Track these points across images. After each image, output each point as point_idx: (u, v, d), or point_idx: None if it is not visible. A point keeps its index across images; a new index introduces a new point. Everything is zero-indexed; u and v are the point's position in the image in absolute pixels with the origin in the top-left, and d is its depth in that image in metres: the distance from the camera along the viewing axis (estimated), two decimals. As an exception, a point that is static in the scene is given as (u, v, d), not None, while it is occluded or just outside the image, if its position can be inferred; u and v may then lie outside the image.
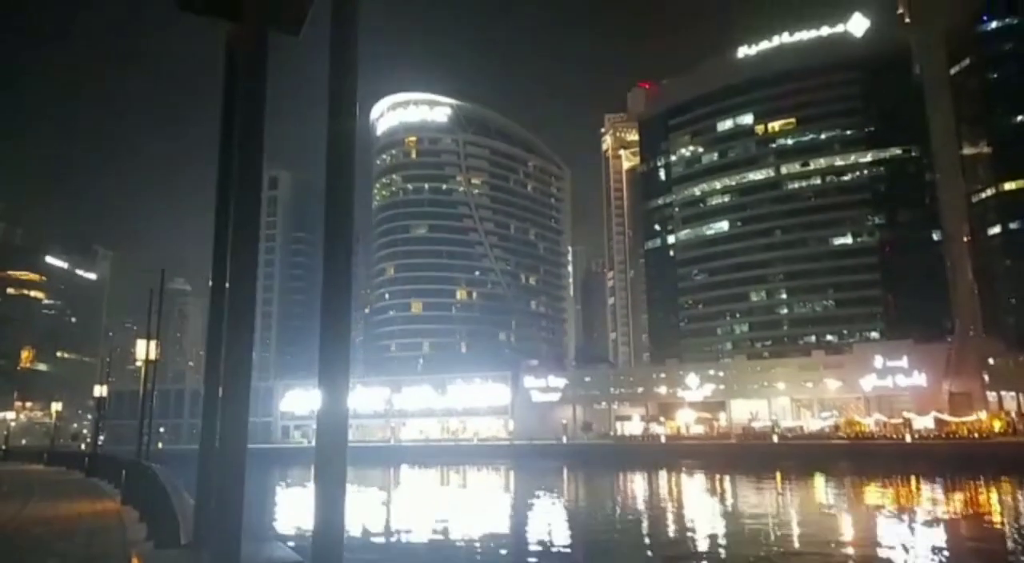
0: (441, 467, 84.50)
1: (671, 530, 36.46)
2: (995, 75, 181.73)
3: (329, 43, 4.46)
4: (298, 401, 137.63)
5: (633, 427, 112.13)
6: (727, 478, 63.85)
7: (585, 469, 77.54)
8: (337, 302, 4.37)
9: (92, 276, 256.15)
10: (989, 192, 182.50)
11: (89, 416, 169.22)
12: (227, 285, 5.09)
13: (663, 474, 70.47)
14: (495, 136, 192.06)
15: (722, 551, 29.03)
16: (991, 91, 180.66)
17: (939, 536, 33.66)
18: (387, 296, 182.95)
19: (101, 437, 60.57)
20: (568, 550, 30.46)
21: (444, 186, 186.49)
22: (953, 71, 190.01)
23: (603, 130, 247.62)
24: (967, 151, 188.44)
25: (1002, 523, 37.95)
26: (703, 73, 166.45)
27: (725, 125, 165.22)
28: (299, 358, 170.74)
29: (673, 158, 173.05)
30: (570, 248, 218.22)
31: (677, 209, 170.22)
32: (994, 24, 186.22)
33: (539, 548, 30.46)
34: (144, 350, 32.46)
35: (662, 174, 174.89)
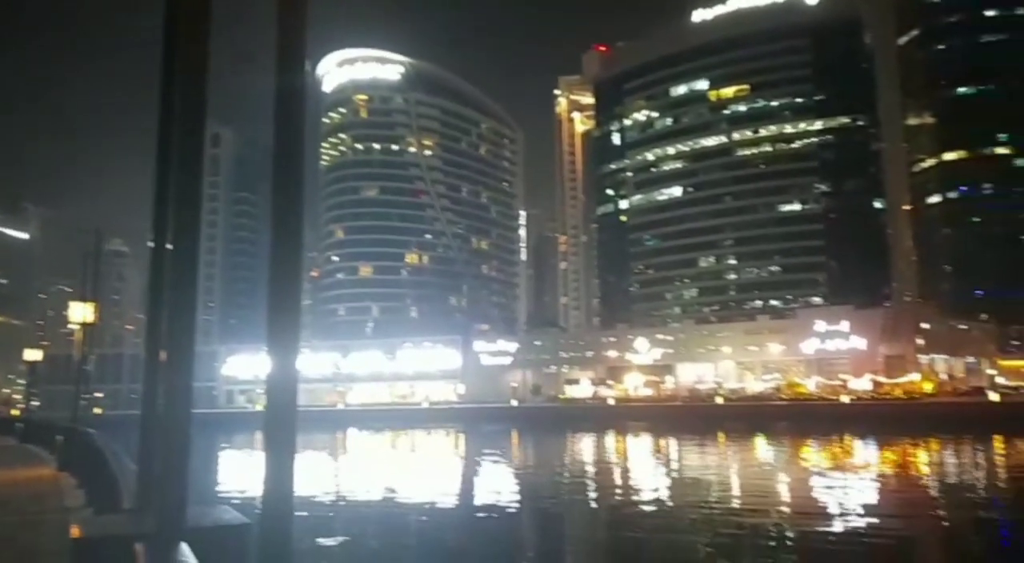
0: (390, 431, 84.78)
1: (617, 491, 37.35)
2: (940, 47, 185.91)
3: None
4: (242, 366, 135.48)
5: (582, 390, 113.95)
6: (673, 439, 65.55)
7: (534, 432, 78.64)
8: (287, 265, 4.23)
9: (23, 235, 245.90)
10: (931, 162, 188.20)
11: (21, 381, 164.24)
12: (168, 246, 4.90)
13: (611, 436, 71.92)
14: (448, 96, 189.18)
15: (666, 510, 29.83)
16: (936, 63, 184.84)
17: (869, 490, 35.29)
18: (335, 259, 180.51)
19: (35, 402, 58.91)
20: (515, 510, 30.94)
21: (395, 147, 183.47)
22: (901, 41, 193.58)
23: (557, 92, 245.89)
24: (911, 121, 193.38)
25: (927, 477, 40.00)
26: (658, 37, 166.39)
27: (679, 90, 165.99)
28: (245, 321, 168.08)
29: (627, 122, 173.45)
30: (523, 212, 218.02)
31: (630, 174, 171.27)
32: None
33: (486, 510, 30.79)
34: (79, 313, 31.30)
35: (616, 139, 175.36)
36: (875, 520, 28.03)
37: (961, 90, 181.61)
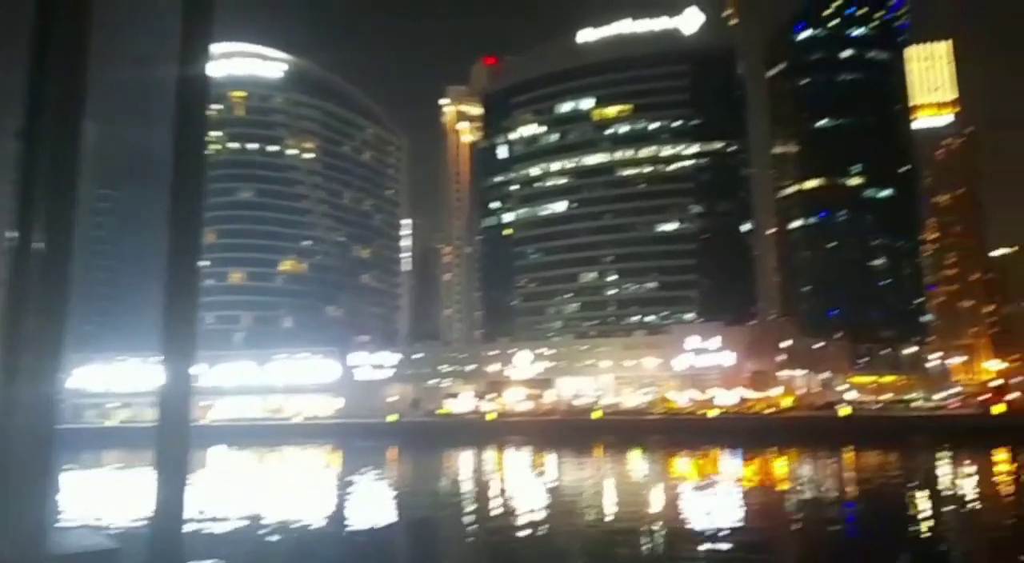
0: (261, 447, 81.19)
1: (494, 506, 37.40)
2: (805, 81, 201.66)
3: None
4: (93, 377, 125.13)
5: (462, 405, 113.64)
6: (551, 454, 66.51)
7: (413, 448, 77.60)
8: (184, 267, 3.92)
9: None
10: (794, 189, 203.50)
11: None
12: (37, 244, 4.43)
13: (490, 451, 72.03)
14: (331, 99, 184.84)
15: (543, 526, 30.03)
16: (801, 95, 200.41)
17: (733, 499, 37.19)
18: (205, 264, 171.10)
19: None
20: (390, 529, 30.17)
21: (273, 148, 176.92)
22: (770, 74, 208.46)
23: (444, 102, 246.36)
24: (778, 149, 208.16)
25: (787, 487, 42.66)
26: (546, 54, 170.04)
27: (565, 108, 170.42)
28: (104, 328, 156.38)
29: (514, 136, 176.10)
30: (407, 221, 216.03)
31: (516, 187, 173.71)
32: (806, 34, 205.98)
33: (359, 529, 29.84)
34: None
35: (503, 151, 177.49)
36: (738, 525, 29.61)
37: (821, 123, 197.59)
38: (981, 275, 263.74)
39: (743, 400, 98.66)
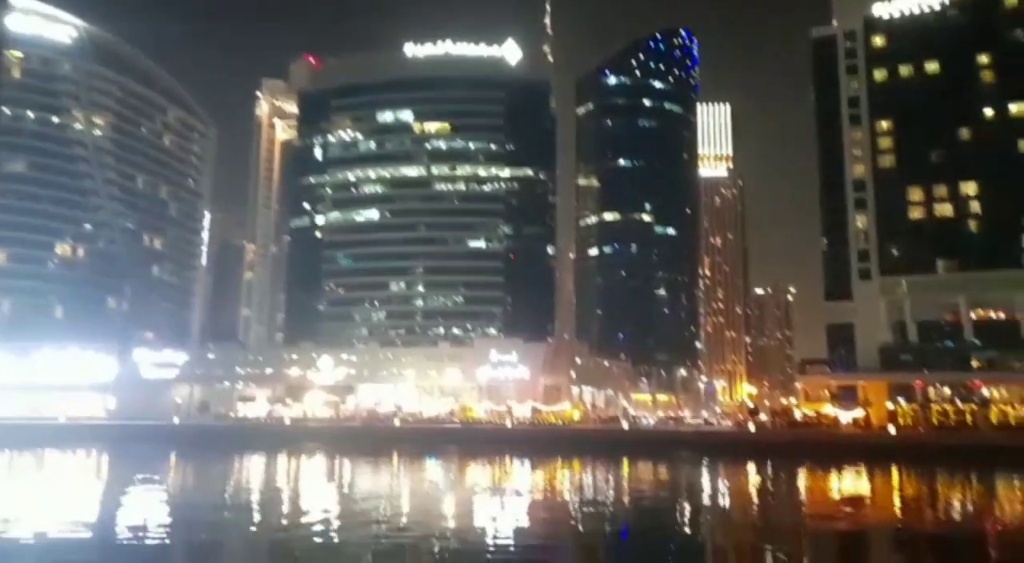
0: (17, 450, 72.11)
1: (284, 512, 36.44)
2: (609, 122, 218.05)
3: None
4: None
5: (258, 408, 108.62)
6: (347, 460, 65.59)
7: (199, 453, 72.93)
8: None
9: None
10: (593, 219, 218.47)
11: None
12: None
13: (283, 457, 69.56)
14: (131, 75, 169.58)
15: (333, 533, 29.81)
16: (605, 135, 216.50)
17: (521, 505, 39.23)
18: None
19: None
20: (163, 542, 28.18)
21: (56, 118, 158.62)
22: (580, 112, 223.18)
23: (259, 94, 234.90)
24: (582, 182, 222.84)
25: (568, 493, 45.71)
26: (371, 61, 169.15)
27: (385, 117, 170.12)
28: None
29: (331, 139, 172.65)
30: (208, 214, 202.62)
31: (329, 191, 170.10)
32: (613, 79, 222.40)
33: (127, 544, 27.48)
34: None
35: (318, 153, 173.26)
36: (524, 527, 31.47)
37: (621, 162, 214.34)
38: (742, 310, 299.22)
39: (536, 412, 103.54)
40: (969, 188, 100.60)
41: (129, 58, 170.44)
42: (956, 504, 43.58)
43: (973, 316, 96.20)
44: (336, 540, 28.15)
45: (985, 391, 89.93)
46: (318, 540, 27.95)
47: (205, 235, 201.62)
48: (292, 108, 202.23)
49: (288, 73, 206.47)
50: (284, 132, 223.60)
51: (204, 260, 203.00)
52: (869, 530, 33.43)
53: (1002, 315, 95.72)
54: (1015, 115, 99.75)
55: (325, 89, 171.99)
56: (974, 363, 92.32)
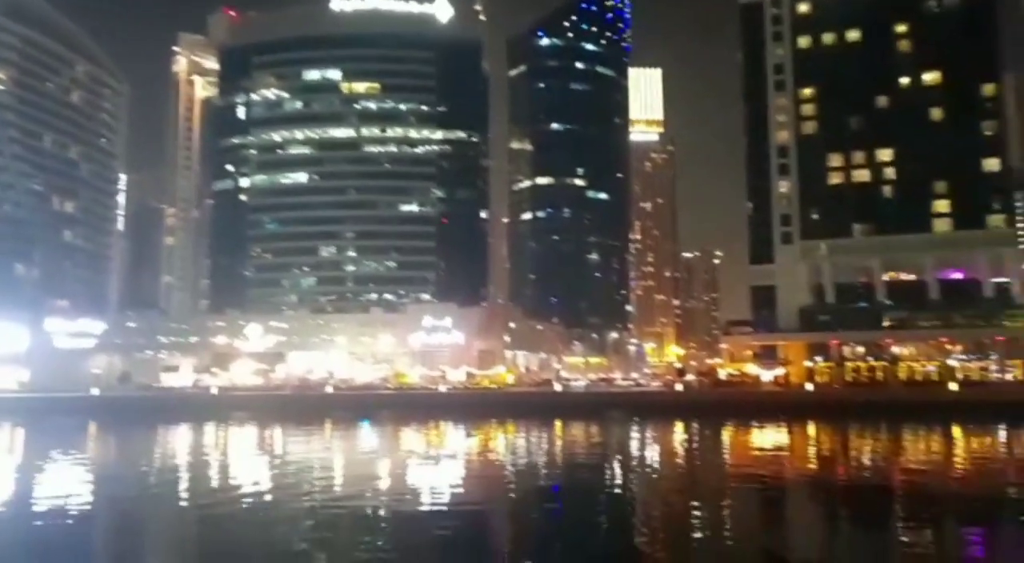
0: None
1: (213, 485, 35.71)
2: (542, 85, 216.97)
3: None
4: None
5: (183, 378, 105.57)
6: (278, 429, 64.63)
7: (120, 425, 70.51)
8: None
9: None
10: (526, 183, 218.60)
11: None
12: None
13: (210, 427, 68.01)
14: (35, 26, 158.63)
15: (266, 505, 29.40)
16: (537, 98, 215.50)
17: (456, 470, 39.58)
18: None
19: None
20: (83, 516, 27.22)
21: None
22: (512, 74, 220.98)
23: (177, 50, 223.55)
24: (515, 145, 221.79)
25: (502, 456, 46.33)
26: (295, 15, 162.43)
27: (311, 75, 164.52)
28: None
29: (254, 97, 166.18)
30: (123, 176, 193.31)
31: (254, 152, 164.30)
32: (546, 41, 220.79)
33: (45, 517, 26.44)
34: None
35: (241, 112, 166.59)
36: (459, 491, 31.73)
37: (554, 125, 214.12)
38: (672, 273, 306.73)
39: (470, 376, 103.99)
40: (885, 155, 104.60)
41: (31, 7, 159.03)
42: (866, 455, 46.24)
43: (886, 278, 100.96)
44: (269, 511, 27.71)
45: (895, 349, 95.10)
46: (250, 512, 27.45)
47: (121, 198, 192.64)
48: (212, 64, 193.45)
49: (207, 27, 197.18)
50: (204, 89, 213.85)
51: (121, 224, 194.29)
52: (786, 482, 35.22)
53: (912, 277, 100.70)
54: (928, 83, 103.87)
55: (246, 44, 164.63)
56: (886, 323, 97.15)
